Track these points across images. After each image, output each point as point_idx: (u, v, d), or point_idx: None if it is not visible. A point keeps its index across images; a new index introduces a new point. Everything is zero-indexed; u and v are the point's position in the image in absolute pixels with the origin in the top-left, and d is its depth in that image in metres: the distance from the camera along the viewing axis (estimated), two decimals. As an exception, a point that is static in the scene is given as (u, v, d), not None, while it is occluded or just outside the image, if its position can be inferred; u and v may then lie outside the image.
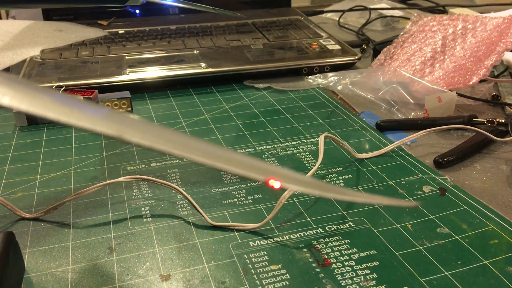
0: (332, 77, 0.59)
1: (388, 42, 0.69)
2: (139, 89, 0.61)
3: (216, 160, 0.13)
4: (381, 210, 0.37)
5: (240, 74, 0.64)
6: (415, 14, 0.69)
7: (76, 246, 0.34)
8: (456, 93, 0.53)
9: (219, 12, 0.49)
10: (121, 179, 0.39)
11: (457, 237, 0.34)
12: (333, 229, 0.35)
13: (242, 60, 0.66)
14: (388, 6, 0.98)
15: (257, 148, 0.47)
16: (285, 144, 0.48)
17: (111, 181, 0.39)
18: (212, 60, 0.65)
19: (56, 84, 0.56)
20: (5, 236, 0.30)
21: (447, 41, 0.61)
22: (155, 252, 0.33)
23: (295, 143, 0.48)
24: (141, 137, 0.13)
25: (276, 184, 0.13)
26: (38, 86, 0.15)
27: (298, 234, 0.35)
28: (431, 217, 0.36)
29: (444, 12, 0.97)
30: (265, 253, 0.33)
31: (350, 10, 0.96)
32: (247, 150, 0.47)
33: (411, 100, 0.54)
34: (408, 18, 0.91)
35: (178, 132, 0.14)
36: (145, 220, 0.37)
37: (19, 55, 0.66)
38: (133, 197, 0.40)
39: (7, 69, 0.64)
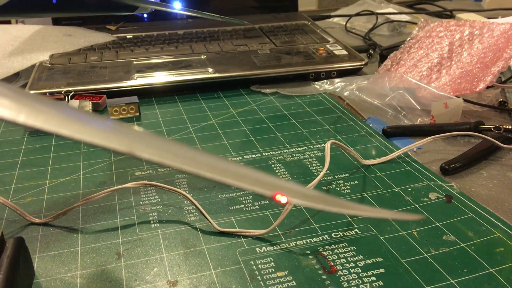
0: (338, 82, 0.59)
1: (395, 47, 0.69)
2: (147, 94, 0.61)
3: (224, 175, 0.13)
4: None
5: (247, 79, 0.64)
6: (422, 20, 0.69)
7: (84, 251, 0.34)
8: (463, 99, 0.53)
9: (226, 20, 0.50)
10: (129, 185, 0.39)
11: (463, 245, 0.34)
12: (339, 235, 0.35)
13: (249, 65, 0.66)
14: (395, 11, 0.98)
15: (263, 153, 0.48)
16: (292, 150, 0.48)
17: (119, 187, 0.39)
18: (219, 65, 0.66)
19: (65, 89, 0.57)
20: (16, 242, 0.30)
21: (454, 47, 0.61)
22: (162, 258, 0.33)
23: (301, 149, 0.49)
24: (151, 153, 0.13)
25: (282, 199, 0.14)
26: (49, 101, 0.15)
27: (304, 241, 0.35)
28: (437, 224, 0.36)
29: (451, 16, 0.97)
30: (272, 259, 0.33)
31: (357, 14, 0.96)
32: (253, 155, 0.47)
33: (417, 106, 0.54)
34: (415, 23, 0.91)
35: (187, 146, 0.14)
36: (152, 225, 0.37)
37: (28, 59, 0.67)
38: (141, 202, 0.40)
39: (17, 74, 0.65)
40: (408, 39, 0.68)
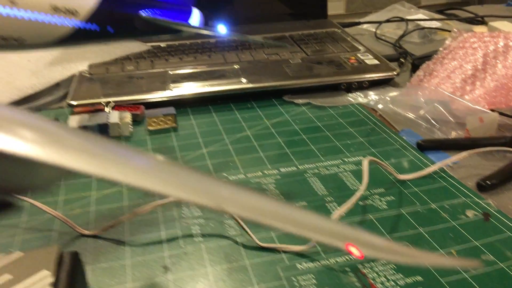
0: (372, 95, 0.60)
1: (427, 57, 0.70)
2: (182, 104, 0.63)
3: (303, 229, 0.15)
4: (425, 234, 0.38)
5: (280, 89, 0.65)
6: (455, 30, 0.69)
7: (133, 264, 0.36)
8: (498, 112, 0.53)
9: (268, 44, 0.51)
10: (172, 198, 0.41)
11: (502, 265, 0.34)
12: (378, 253, 0.36)
13: (282, 75, 0.67)
14: (426, 17, 0.98)
15: (299, 166, 0.49)
16: (327, 163, 0.49)
17: (164, 201, 0.41)
18: (252, 75, 0.67)
19: (106, 100, 0.59)
20: (72, 256, 0.32)
21: (488, 58, 0.61)
22: (207, 273, 0.35)
23: (336, 162, 0.49)
24: (239, 209, 0.14)
25: (356, 252, 0.15)
26: (105, 141, 0.16)
27: (344, 258, 0.36)
28: (475, 243, 0.37)
29: (483, 23, 0.96)
30: (313, 276, 0.34)
31: (387, 21, 0.96)
32: (289, 168, 0.48)
33: (451, 119, 0.54)
34: (446, 30, 0.91)
35: (265, 197, 0.15)
36: (196, 239, 0.38)
37: (68, 69, 0.69)
38: (183, 215, 0.41)
39: (57, 84, 0.67)
40: (441, 49, 0.68)
